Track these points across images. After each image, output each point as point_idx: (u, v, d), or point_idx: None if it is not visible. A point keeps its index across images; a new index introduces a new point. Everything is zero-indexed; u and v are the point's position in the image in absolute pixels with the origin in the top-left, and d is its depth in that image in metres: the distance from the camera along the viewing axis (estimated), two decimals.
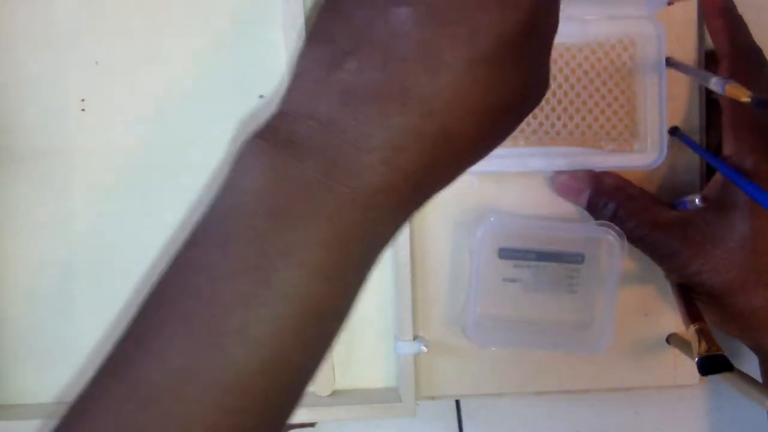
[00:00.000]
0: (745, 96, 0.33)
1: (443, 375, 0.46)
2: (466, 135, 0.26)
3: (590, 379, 0.46)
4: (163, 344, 0.25)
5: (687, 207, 0.42)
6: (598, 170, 0.43)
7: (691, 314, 0.40)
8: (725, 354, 0.37)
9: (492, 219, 0.43)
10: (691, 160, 0.45)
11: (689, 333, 0.39)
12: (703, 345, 0.38)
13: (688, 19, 0.44)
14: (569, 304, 0.45)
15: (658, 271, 0.45)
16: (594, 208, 0.43)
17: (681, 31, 0.44)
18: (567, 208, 0.45)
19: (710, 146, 0.45)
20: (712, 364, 0.37)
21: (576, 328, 0.45)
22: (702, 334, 0.38)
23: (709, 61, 0.44)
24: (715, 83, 0.36)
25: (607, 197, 0.42)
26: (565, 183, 0.43)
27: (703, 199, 0.41)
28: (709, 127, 0.45)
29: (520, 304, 0.45)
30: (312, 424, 0.48)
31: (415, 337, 0.44)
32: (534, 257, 0.44)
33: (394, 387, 0.46)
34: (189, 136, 0.45)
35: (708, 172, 0.45)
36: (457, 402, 0.48)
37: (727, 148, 0.40)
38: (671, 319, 0.46)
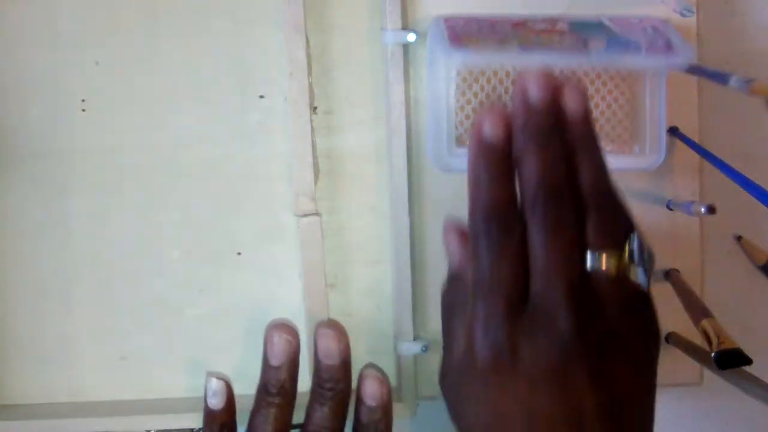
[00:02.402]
0: None
1: None
2: None
3: None
4: None
5: (690, 210, 0.41)
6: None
7: (700, 310, 0.40)
8: (741, 348, 0.37)
9: None
10: (691, 160, 0.45)
11: (702, 328, 0.38)
12: (716, 340, 0.37)
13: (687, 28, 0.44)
14: None
15: (658, 271, 0.45)
16: None
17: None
18: None
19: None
20: (729, 358, 0.37)
21: None
22: (714, 328, 0.38)
23: None
24: (735, 82, 0.36)
25: None
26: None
27: (709, 209, 0.40)
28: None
29: None
30: None
31: (415, 337, 0.44)
32: None
33: (394, 387, 0.46)
34: (189, 136, 0.45)
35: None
36: None
37: None
38: (671, 319, 0.45)
